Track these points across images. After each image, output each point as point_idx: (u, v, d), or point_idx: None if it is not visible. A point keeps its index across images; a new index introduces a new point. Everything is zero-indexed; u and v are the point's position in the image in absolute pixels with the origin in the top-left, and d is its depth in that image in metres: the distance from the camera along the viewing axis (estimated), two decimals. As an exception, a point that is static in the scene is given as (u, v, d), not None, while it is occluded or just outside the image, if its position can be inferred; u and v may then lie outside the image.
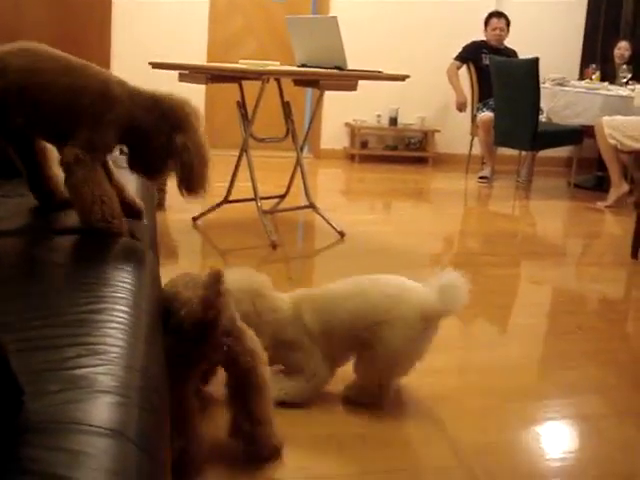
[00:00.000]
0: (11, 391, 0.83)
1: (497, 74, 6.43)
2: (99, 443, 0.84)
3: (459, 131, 7.57)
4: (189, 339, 1.58)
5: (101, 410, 0.91)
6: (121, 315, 1.23)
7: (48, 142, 1.97)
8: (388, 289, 2.16)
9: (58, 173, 1.95)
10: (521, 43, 7.16)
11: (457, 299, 2.12)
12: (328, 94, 4.26)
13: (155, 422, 0.98)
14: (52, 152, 1.99)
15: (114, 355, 1.06)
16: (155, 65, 4.20)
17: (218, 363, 1.73)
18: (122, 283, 1.40)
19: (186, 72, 4.15)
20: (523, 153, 6.96)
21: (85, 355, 1.04)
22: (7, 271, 1.47)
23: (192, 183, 1.86)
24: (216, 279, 1.53)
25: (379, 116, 7.69)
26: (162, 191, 4.55)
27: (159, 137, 1.85)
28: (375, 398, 2.20)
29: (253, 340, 1.74)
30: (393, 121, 7.69)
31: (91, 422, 0.87)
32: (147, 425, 0.94)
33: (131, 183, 2.36)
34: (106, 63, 5.16)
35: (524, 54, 6.77)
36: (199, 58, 7.12)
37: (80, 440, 0.83)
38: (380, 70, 4.31)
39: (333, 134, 7.73)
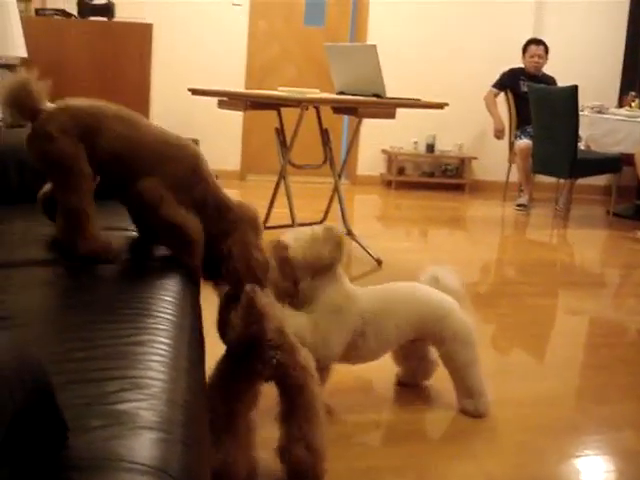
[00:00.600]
0: (56, 426, 0.83)
1: (536, 102, 6.40)
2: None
3: (496, 158, 7.54)
4: (236, 355, 1.60)
5: (144, 447, 0.91)
6: (163, 347, 1.23)
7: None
8: (426, 289, 2.38)
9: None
10: (559, 70, 7.13)
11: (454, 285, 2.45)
12: (365, 120, 4.26)
13: (197, 458, 0.98)
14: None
15: (156, 390, 1.06)
16: (194, 91, 4.24)
17: (269, 379, 1.71)
18: (163, 314, 1.40)
19: (225, 99, 4.18)
20: (561, 181, 6.91)
21: (127, 389, 1.05)
22: (48, 301, 1.48)
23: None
24: (252, 295, 1.53)
25: (416, 143, 7.70)
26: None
27: (211, 230, 1.84)
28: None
29: (305, 356, 1.73)
30: (430, 148, 7.68)
31: (134, 459, 0.87)
32: (189, 461, 0.94)
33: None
34: (146, 89, 5.22)
35: (562, 81, 6.74)
36: (237, 85, 7.18)
37: (123, 478, 0.83)
38: (418, 98, 4.31)
39: (370, 160, 7.74)
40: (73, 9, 5.23)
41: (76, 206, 1.77)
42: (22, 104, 1.79)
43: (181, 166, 1.82)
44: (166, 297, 1.51)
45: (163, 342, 1.25)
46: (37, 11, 5.18)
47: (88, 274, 1.65)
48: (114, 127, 1.80)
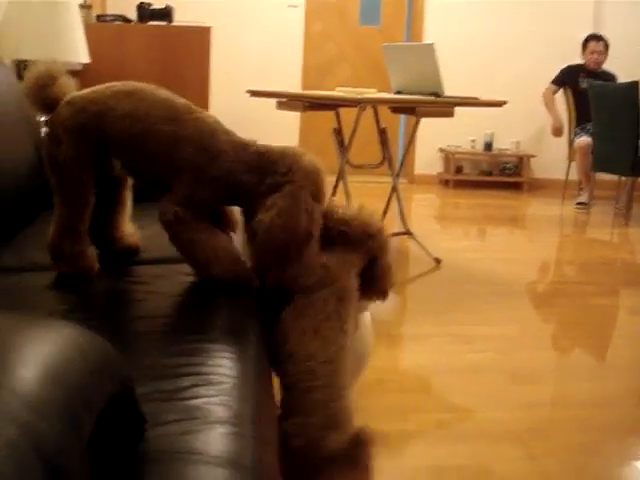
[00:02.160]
0: (135, 420, 0.86)
1: (596, 98, 6.32)
2: (217, 473, 0.86)
3: (556, 156, 7.46)
4: None
5: (217, 440, 0.94)
6: (231, 345, 1.26)
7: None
8: None
9: (128, 228, 1.91)
10: (620, 67, 7.02)
11: None
12: (422, 119, 4.26)
13: (267, 452, 1.00)
14: (128, 207, 1.92)
15: (227, 386, 1.09)
16: (253, 93, 4.29)
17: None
18: (228, 313, 1.43)
19: (284, 100, 4.22)
20: (622, 178, 6.80)
21: (200, 385, 1.08)
22: (118, 299, 1.53)
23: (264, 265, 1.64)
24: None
25: (473, 141, 7.65)
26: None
27: (260, 201, 1.60)
28: None
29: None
30: (488, 146, 7.64)
31: (209, 452, 0.90)
32: (261, 455, 0.96)
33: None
34: (205, 92, 5.29)
35: (623, 78, 6.64)
36: (293, 86, 7.23)
37: (198, 470, 0.86)
38: (476, 96, 4.30)
39: (427, 159, 7.72)
40: (133, 14, 5.31)
41: (67, 220, 1.68)
42: (40, 97, 1.70)
43: (189, 147, 1.62)
44: (229, 297, 1.54)
45: (231, 340, 1.28)
46: (98, 17, 5.28)
47: (156, 275, 1.69)
48: (119, 105, 1.66)
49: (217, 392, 1.06)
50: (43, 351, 0.59)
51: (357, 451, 1.39)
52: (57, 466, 0.52)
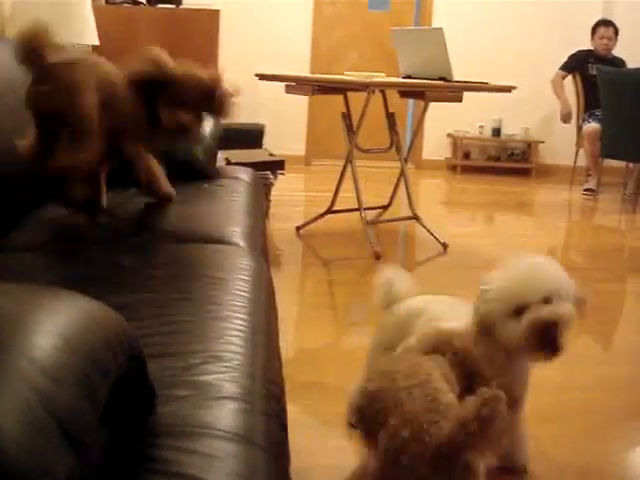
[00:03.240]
0: (145, 393, 0.87)
1: (605, 84, 6.29)
2: (228, 447, 0.87)
3: (564, 142, 7.44)
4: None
5: (228, 416, 0.95)
6: (241, 323, 1.27)
7: None
8: None
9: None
10: (629, 52, 6.99)
11: None
12: (430, 104, 4.26)
13: (278, 429, 1.02)
14: None
15: (237, 363, 1.10)
16: (262, 77, 4.29)
17: None
18: (239, 291, 1.44)
19: (293, 84, 4.21)
20: (631, 165, 6.79)
21: (210, 362, 1.09)
22: (127, 279, 1.53)
23: None
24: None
25: (482, 127, 7.64)
26: (267, 200, 4.64)
27: None
28: None
29: None
30: (496, 132, 7.62)
31: (219, 427, 0.91)
32: (271, 431, 0.98)
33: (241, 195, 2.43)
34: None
35: (632, 63, 6.61)
36: (302, 69, 7.21)
37: (210, 444, 0.87)
38: (486, 81, 4.29)
39: (435, 145, 7.71)
40: (142, -3, 5.31)
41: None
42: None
43: None
44: (241, 275, 1.55)
45: (241, 318, 1.29)
46: (107, 0, 5.28)
47: (160, 254, 1.70)
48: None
49: (227, 369, 1.07)
50: (59, 320, 0.60)
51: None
52: (71, 430, 0.53)
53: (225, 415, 0.95)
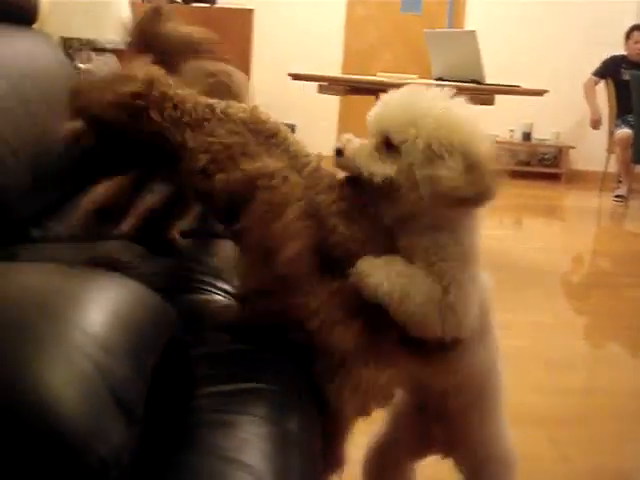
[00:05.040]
0: (187, 378, 0.90)
1: (637, 89, 6.25)
2: (265, 431, 0.90)
3: (595, 148, 7.40)
4: None
5: (265, 404, 0.98)
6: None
7: None
8: None
9: None
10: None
11: None
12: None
13: (309, 417, 1.04)
14: None
15: (273, 355, 1.13)
16: (295, 77, 4.31)
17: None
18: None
19: (325, 84, 4.24)
20: (662, 172, 6.75)
21: (249, 352, 1.12)
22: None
23: None
24: None
25: (512, 131, 7.62)
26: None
27: None
28: None
29: None
30: (526, 136, 7.60)
31: (257, 413, 0.94)
32: (306, 422, 1.00)
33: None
34: (247, 74, 5.32)
35: (667, 70, 6.57)
36: (334, 70, 7.24)
37: (249, 428, 0.90)
38: (518, 85, 4.29)
39: (465, 148, 7.70)
40: (177, -5, 5.36)
41: None
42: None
43: None
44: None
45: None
46: (143, -3, 5.33)
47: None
48: None
49: (265, 361, 1.10)
50: (111, 299, 0.63)
51: None
52: (124, 400, 0.56)
53: (262, 403, 0.97)
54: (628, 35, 6.87)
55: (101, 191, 1.44)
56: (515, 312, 3.28)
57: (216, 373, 1.03)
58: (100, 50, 3.60)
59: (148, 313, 0.68)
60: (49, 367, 0.52)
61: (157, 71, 1.25)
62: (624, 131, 6.58)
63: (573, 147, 7.61)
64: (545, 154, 7.72)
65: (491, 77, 4.27)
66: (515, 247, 4.51)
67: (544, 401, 2.37)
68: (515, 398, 2.38)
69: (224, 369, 1.05)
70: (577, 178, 7.63)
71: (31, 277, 0.66)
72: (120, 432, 0.54)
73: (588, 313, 3.39)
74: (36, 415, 0.48)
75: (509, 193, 5.59)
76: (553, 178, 7.64)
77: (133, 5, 4.03)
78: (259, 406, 0.97)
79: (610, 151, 6.96)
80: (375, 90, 4.23)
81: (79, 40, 3.26)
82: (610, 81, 6.91)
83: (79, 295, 0.61)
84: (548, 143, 7.66)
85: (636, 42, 6.80)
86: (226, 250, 1.56)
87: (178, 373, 0.84)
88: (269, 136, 1.17)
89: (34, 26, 2.23)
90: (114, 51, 4.58)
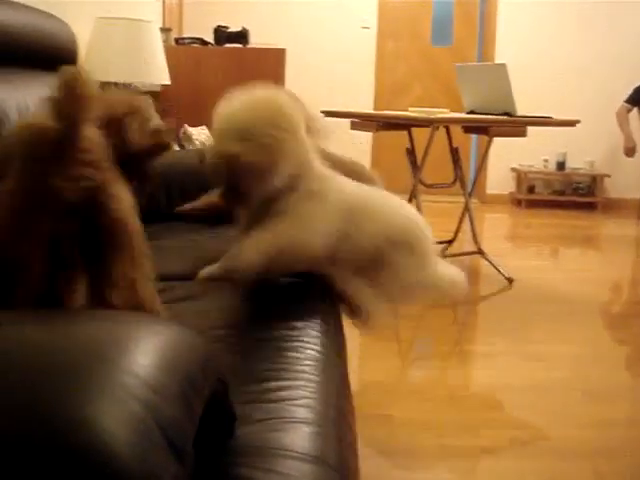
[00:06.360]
0: (228, 416, 0.92)
1: (672, 117, 6.23)
2: (304, 468, 0.92)
3: (631, 175, 7.37)
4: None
5: (303, 439, 0.99)
6: (314, 353, 1.31)
7: None
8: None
9: None
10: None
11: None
12: (494, 139, 4.29)
13: (349, 452, 1.06)
14: None
15: (310, 390, 1.15)
16: (328, 113, 4.36)
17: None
18: (311, 322, 1.49)
19: (357, 120, 4.29)
20: (700, 199, 6.69)
21: (285, 389, 1.14)
22: (202, 313, 1.59)
23: None
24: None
25: (546, 160, 7.61)
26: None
27: None
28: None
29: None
30: (561, 165, 7.58)
31: (295, 449, 0.96)
32: (344, 454, 1.02)
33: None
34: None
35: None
36: (366, 105, 7.31)
37: (286, 464, 0.92)
38: (550, 116, 4.30)
39: (499, 179, 7.71)
40: (209, 37, 5.46)
41: None
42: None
43: None
44: (311, 309, 1.59)
45: (314, 349, 1.34)
46: (177, 40, 5.44)
47: (231, 290, 1.75)
48: None
49: (301, 395, 1.12)
50: (158, 342, 0.66)
51: None
52: (174, 440, 0.58)
53: (299, 438, 0.99)
54: (660, 62, 6.85)
55: None
56: (553, 343, 3.27)
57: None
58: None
59: (194, 355, 0.71)
60: (102, 410, 0.54)
61: None
62: (659, 158, 6.54)
63: (608, 175, 7.58)
64: (580, 183, 7.69)
65: (522, 108, 4.29)
66: (552, 277, 4.49)
67: (587, 434, 2.36)
68: (557, 431, 2.38)
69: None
70: (613, 206, 7.59)
71: (82, 324, 0.69)
72: (171, 472, 0.56)
73: (628, 343, 3.36)
74: (94, 457, 0.51)
75: (545, 223, 5.63)
76: (589, 207, 7.60)
77: (166, 49, 4.12)
78: (299, 440, 0.98)
79: (646, 179, 6.93)
80: (406, 125, 4.27)
81: (116, 84, 3.34)
82: (643, 109, 6.89)
83: (127, 340, 0.64)
84: (582, 172, 7.64)
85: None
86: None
87: (219, 412, 0.87)
88: None
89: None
90: (150, 93, 4.67)
